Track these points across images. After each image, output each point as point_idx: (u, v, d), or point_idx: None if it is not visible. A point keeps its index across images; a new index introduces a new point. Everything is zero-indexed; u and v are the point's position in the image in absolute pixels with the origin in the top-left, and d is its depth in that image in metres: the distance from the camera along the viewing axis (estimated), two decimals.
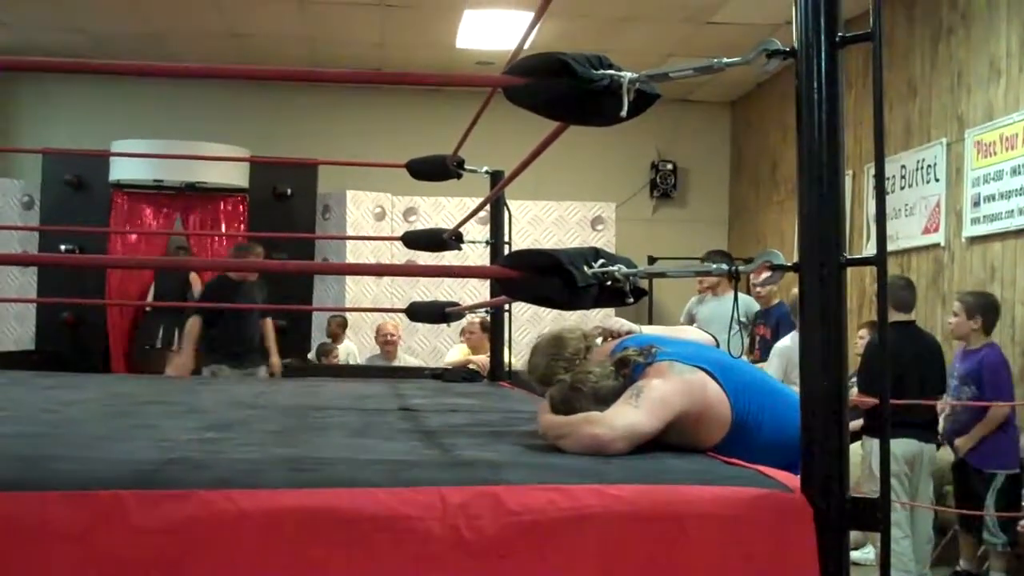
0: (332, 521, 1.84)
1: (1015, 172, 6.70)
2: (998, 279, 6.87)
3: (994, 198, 6.93)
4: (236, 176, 10.45)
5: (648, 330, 3.15)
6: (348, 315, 10.20)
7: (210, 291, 8.02)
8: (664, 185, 12.17)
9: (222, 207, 10.65)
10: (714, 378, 2.61)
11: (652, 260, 10.57)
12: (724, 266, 2.29)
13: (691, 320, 7.90)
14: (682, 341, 2.94)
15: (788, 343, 6.59)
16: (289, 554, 1.82)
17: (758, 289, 7.82)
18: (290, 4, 9.32)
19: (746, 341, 7.86)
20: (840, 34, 1.95)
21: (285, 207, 10.61)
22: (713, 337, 3.25)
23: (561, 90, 2.13)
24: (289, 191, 10.65)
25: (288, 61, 10.77)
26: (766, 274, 2.07)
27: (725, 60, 2.10)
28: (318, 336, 10.29)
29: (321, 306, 10.59)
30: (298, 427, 3.09)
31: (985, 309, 6.12)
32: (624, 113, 2.12)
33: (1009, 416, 5.92)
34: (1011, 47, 6.88)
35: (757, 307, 7.97)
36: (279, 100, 11.37)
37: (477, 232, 6.94)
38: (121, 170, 10.27)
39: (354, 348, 10.03)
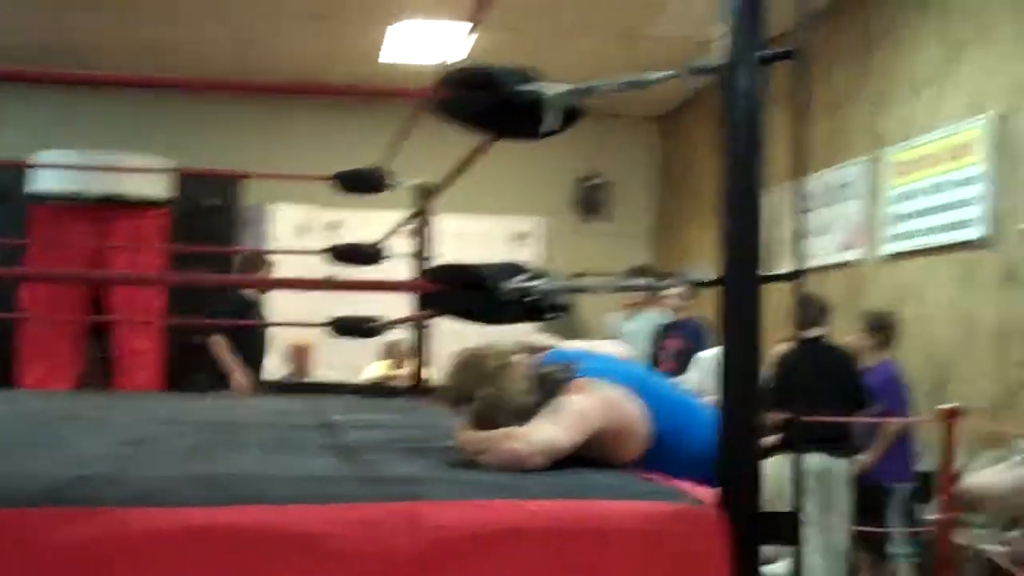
0: (249, 538, 1.82)
1: (932, 190, 6.82)
2: (914, 296, 6.98)
3: (912, 216, 7.04)
4: (159, 188, 10.31)
5: (569, 345, 3.14)
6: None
7: (233, 311, 7.71)
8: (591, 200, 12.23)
9: (144, 219, 10.49)
10: (634, 394, 2.61)
11: (578, 275, 10.60)
12: (646, 282, 2.30)
13: (615, 336, 7.93)
14: (603, 356, 2.94)
15: (711, 355, 6.62)
16: (204, 572, 1.79)
17: (669, 302, 7.86)
18: (215, 14, 9.23)
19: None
20: (764, 51, 1.96)
21: (209, 220, 10.48)
22: (634, 351, 3.26)
23: (486, 104, 2.12)
24: (213, 203, 10.53)
25: (213, 72, 10.66)
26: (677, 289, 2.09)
27: (651, 75, 2.11)
28: None
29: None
30: (215, 443, 3.04)
31: (879, 327, 6.24)
32: (549, 128, 2.11)
33: (906, 430, 6.02)
34: (930, 67, 7.00)
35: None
36: (203, 111, 11.24)
37: (403, 246, 6.91)
38: (40, 181, 10.08)
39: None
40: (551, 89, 2.11)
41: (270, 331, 8.78)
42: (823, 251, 8.04)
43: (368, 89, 8.47)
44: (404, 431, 3.53)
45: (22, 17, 9.34)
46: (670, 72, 2.06)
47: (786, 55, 1.96)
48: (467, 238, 10.82)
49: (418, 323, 5.63)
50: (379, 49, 9.94)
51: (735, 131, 1.97)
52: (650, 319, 8.16)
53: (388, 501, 1.92)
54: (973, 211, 6.40)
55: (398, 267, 7.48)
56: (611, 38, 9.55)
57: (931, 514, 5.74)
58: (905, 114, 7.27)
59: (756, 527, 1.92)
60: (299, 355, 9.37)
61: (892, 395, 6.08)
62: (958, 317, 6.53)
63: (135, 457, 2.55)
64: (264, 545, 1.82)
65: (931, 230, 6.85)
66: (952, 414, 4.52)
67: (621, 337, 7.70)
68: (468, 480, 2.23)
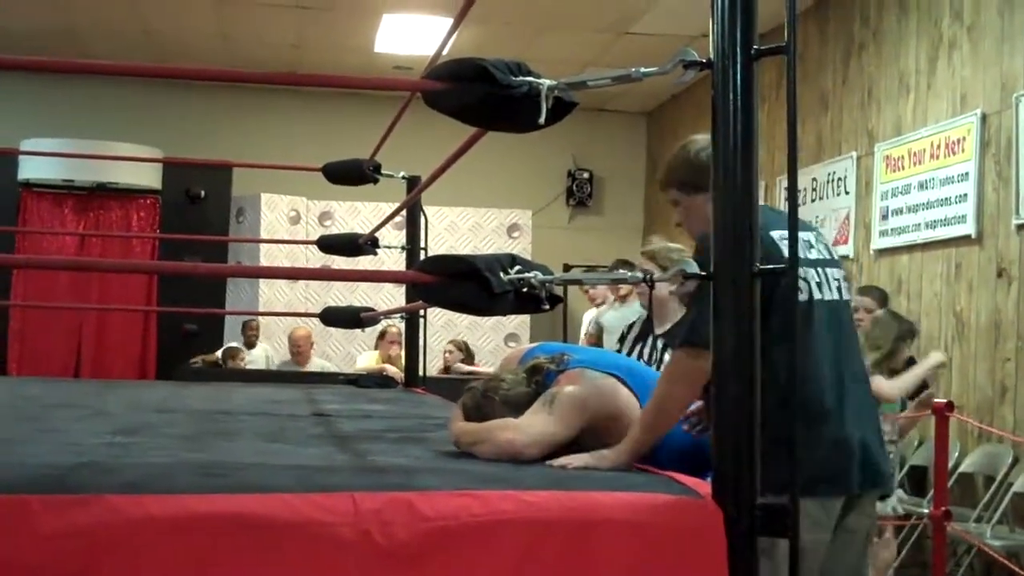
0: (243, 526, 1.82)
1: (922, 187, 6.84)
2: (904, 291, 7.01)
3: (901, 211, 7.07)
4: (148, 177, 10.30)
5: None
6: (261, 320, 10.10)
7: None
8: (580, 193, 12.25)
9: (134, 208, 10.50)
10: (625, 384, 2.62)
11: (568, 268, 10.61)
12: (639, 274, 2.31)
13: (598, 329, 7.91)
14: (591, 349, 2.96)
15: None
16: (199, 560, 1.80)
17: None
18: (206, 2, 9.19)
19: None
20: (756, 47, 1.97)
21: (198, 209, 10.48)
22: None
23: (479, 95, 2.12)
24: (203, 193, 10.53)
25: (203, 61, 10.63)
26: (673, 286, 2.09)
27: (643, 69, 2.12)
28: (230, 340, 10.18)
29: (234, 310, 10.47)
30: (209, 432, 3.04)
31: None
32: (542, 120, 2.12)
33: None
34: (920, 64, 7.03)
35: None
36: (193, 100, 11.21)
37: (393, 237, 6.90)
38: (30, 169, 10.07)
39: (270, 352, 9.93)
40: (545, 81, 2.12)
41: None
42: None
43: (360, 80, 8.46)
44: (398, 421, 3.54)
45: (15, 3, 9.30)
46: (661, 66, 2.07)
47: (779, 50, 1.97)
48: (457, 230, 10.85)
49: (411, 314, 5.62)
50: (373, 40, 9.93)
51: (727, 125, 1.98)
52: (634, 311, 8.15)
53: (384, 491, 1.93)
54: (963, 208, 6.43)
55: (388, 258, 7.53)
56: (597, 35, 9.55)
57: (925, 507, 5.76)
58: (895, 111, 7.29)
59: (752, 519, 1.92)
60: (297, 350, 9.34)
61: None
62: (949, 312, 6.56)
63: (131, 445, 2.56)
64: (259, 533, 1.82)
65: (916, 227, 6.88)
66: (946, 408, 4.54)
67: (604, 330, 7.69)
68: (463, 470, 2.23)
